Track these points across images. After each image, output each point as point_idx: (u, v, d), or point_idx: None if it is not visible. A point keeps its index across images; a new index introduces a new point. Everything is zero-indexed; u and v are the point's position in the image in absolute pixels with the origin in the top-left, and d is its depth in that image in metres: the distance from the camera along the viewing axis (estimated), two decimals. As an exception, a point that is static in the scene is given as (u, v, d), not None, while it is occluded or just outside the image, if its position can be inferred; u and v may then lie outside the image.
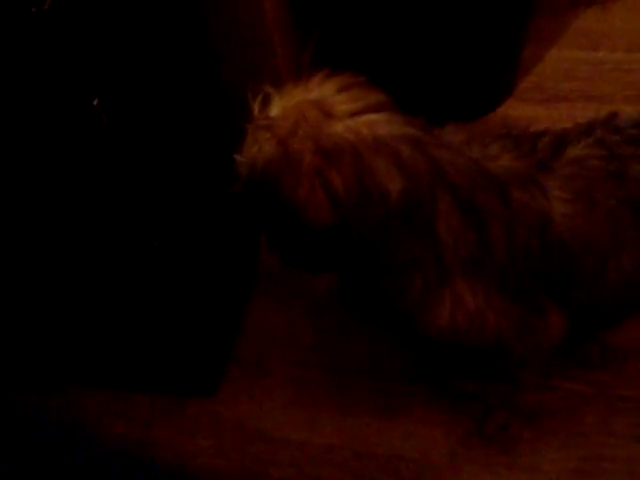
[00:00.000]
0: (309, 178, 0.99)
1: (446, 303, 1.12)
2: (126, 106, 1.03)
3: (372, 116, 1.03)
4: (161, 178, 1.16)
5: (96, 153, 1.00)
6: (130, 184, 1.07)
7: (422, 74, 1.74)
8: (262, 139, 1.02)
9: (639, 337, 1.42)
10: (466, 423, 1.37)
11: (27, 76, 0.92)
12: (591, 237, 1.12)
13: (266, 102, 1.06)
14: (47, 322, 1.37)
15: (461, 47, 1.66)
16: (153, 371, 1.46)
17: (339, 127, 1.00)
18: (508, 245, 1.09)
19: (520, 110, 1.80)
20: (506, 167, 1.11)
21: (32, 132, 0.99)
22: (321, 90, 1.05)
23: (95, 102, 0.94)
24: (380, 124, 1.02)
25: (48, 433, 1.46)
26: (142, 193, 1.10)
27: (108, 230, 1.13)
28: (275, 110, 1.04)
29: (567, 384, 1.38)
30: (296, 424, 1.41)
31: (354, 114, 1.01)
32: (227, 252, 1.49)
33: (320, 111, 1.02)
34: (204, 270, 1.37)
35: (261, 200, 1.05)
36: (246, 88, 1.06)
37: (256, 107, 1.06)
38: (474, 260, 1.09)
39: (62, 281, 1.26)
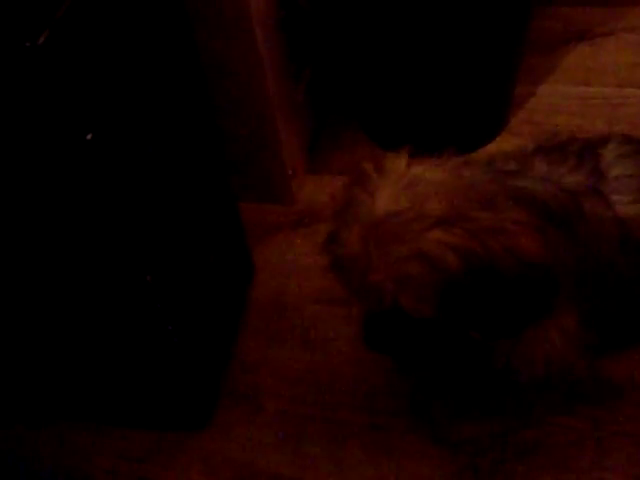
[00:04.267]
0: (513, 227, 0.96)
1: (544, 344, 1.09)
2: (120, 141, 1.03)
3: (464, 171, 1.01)
4: (154, 213, 1.16)
5: (88, 188, 1.00)
6: (123, 219, 1.07)
7: (417, 110, 1.75)
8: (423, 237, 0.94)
9: (634, 371, 1.41)
10: (460, 458, 1.36)
11: (19, 111, 0.92)
12: None
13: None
14: (37, 356, 1.36)
15: (455, 81, 1.67)
16: (144, 406, 1.45)
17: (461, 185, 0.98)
18: (598, 263, 1.05)
19: (513, 144, 1.81)
20: (573, 182, 1.07)
21: (23, 168, 0.99)
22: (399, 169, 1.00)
23: (89, 137, 0.94)
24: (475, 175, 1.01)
25: (36, 467, 1.45)
26: (135, 228, 1.10)
27: (99, 265, 1.13)
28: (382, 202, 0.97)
29: (562, 419, 1.38)
30: (288, 460, 1.39)
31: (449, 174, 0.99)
32: (218, 286, 1.49)
33: (431, 186, 0.97)
34: (195, 303, 1.37)
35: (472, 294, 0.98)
36: (238, 119, 1.06)
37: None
38: (578, 289, 1.05)
39: (52, 316, 1.25)
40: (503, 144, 1.83)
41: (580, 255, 1.03)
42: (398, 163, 1.01)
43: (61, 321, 1.26)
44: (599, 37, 2.06)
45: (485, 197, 0.96)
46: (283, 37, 1.61)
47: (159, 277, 1.18)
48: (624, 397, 1.39)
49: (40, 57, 0.86)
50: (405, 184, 0.97)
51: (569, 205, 1.03)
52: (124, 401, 1.45)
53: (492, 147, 1.83)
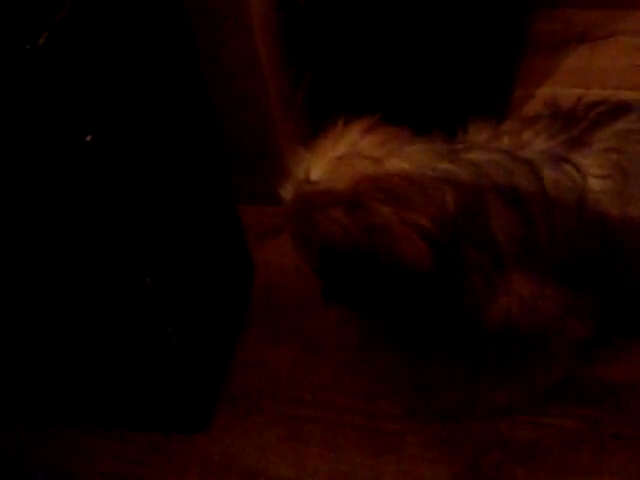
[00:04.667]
0: (399, 231, 1.04)
1: (503, 296, 1.14)
2: (120, 143, 1.03)
3: (406, 149, 1.10)
4: (154, 215, 1.16)
5: (88, 189, 1.00)
6: (123, 220, 1.07)
7: (416, 112, 1.74)
8: (327, 211, 1.07)
9: (633, 372, 1.42)
10: (459, 462, 1.36)
11: (19, 112, 0.92)
12: (630, 213, 1.11)
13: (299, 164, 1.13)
14: (38, 358, 1.36)
15: (454, 84, 1.67)
16: (143, 407, 1.45)
17: (391, 169, 1.06)
18: (549, 228, 1.10)
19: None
20: (538, 150, 1.12)
21: (23, 169, 0.99)
22: (348, 139, 1.10)
23: (88, 138, 0.94)
24: (415, 154, 1.10)
25: (35, 469, 1.45)
26: (135, 229, 1.10)
27: (99, 266, 1.13)
28: (316, 172, 1.09)
29: (560, 421, 1.38)
30: (287, 462, 1.39)
31: (390, 153, 1.08)
32: (218, 287, 1.49)
33: (366, 161, 1.07)
34: (195, 305, 1.37)
35: (349, 271, 1.11)
36: (238, 122, 1.07)
37: (299, 172, 1.12)
38: (526, 250, 1.11)
39: (52, 318, 1.25)
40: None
41: (529, 221, 1.10)
42: (331, 138, 1.14)
43: (61, 323, 1.26)
44: (599, 40, 2.07)
45: (398, 187, 1.06)
46: (283, 39, 1.61)
47: (159, 279, 1.18)
48: (624, 399, 1.39)
49: (39, 59, 0.86)
50: (335, 159, 1.10)
51: (519, 174, 1.10)
52: (123, 403, 1.45)
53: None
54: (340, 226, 1.06)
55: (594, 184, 1.10)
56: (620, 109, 1.16)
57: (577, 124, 1.14)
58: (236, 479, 1.39)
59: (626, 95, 1.89)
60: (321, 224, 1.08)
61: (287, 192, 1.14)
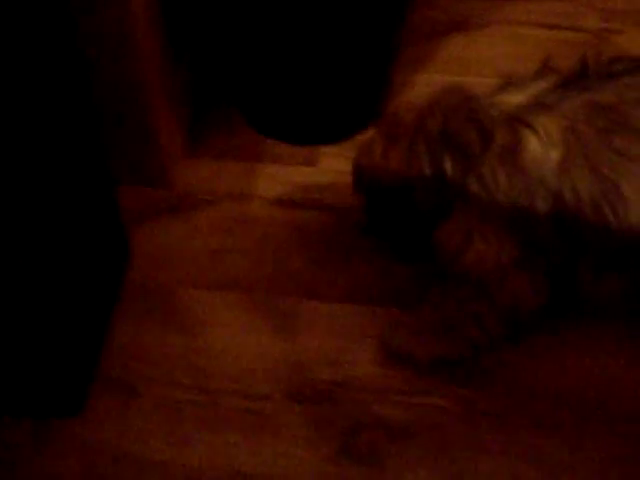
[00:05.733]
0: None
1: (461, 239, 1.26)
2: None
3: None
4: (26, 194, 1.13)
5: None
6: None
7: (293, 96, 1.75)
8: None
9: (505, 355, 1.47)
10: (335, 442, 1.38)
11: None
12: (571, 176, 1.18)
13: None
14: None
15: (330, 69, 1.68)
16: (16, 392, 1.42)
17: None
18: (493, 172, 1.20)
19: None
20: (513, 104, 1.24)
21: None
22: None
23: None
24: None
25: None
26: (4, 209, 1.07)
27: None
28: None
29: (434, 400, 1.42)
30: (165, 445, 1.39)
31: None
32: (92, 269, 1.47)
33: None
34: (67, 287, 1.34)
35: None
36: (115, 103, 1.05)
37: None
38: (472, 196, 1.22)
39: None
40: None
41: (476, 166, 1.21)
42: None
43: None
44: (476, 28, 2.11)
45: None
46: (161, 19, 1.58)
47: (29, 258, 1.16)
48: (494, 382, 1.44)
49: None
50: None
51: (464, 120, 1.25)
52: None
53: (369, 134, 1.84)
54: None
55: (534, 145, 1.18)
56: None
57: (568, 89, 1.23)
58: (113, 463, 1.37)
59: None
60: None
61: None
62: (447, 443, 1.38)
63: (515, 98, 1.25)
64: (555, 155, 1.18)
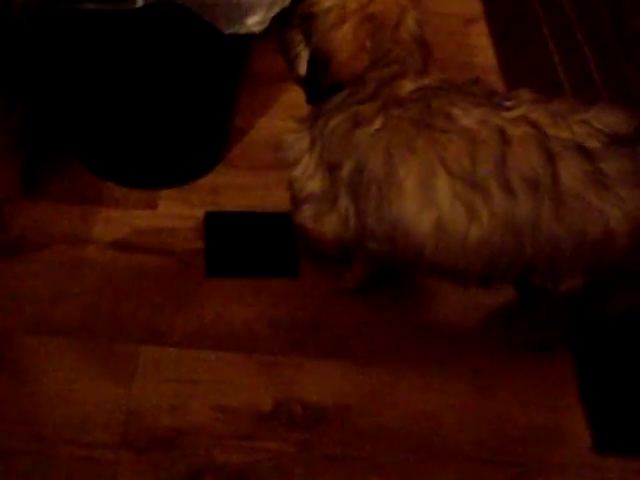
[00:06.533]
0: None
1: None
2: None
3: None
4: None
5: None
6: None
7: (131, 142, 1.74)
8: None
9: (339, 394, 1.50)
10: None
11: None
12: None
13: None
14: None
15: (170, 118, 1.69)
16: None
17: None
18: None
19: (229, 176, 1.86)
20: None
21: None
22: None
23: None
24: None
25: None
26: None
27: None
28: None
29: (272, 445, 1.43)
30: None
31: None
32: None
33: None
34: None
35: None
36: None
37: None
38: None
39: None
40: (220, 176, 1.87)
41: None
42: None
43: None
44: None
45: None
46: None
47: None
48: (332, 420, 1.47)
49: None
50: None
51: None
52: None
53: (210, 178, 1.87)
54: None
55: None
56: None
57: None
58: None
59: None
60: None
61: None
62: (286, 487, 1.39)
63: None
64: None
